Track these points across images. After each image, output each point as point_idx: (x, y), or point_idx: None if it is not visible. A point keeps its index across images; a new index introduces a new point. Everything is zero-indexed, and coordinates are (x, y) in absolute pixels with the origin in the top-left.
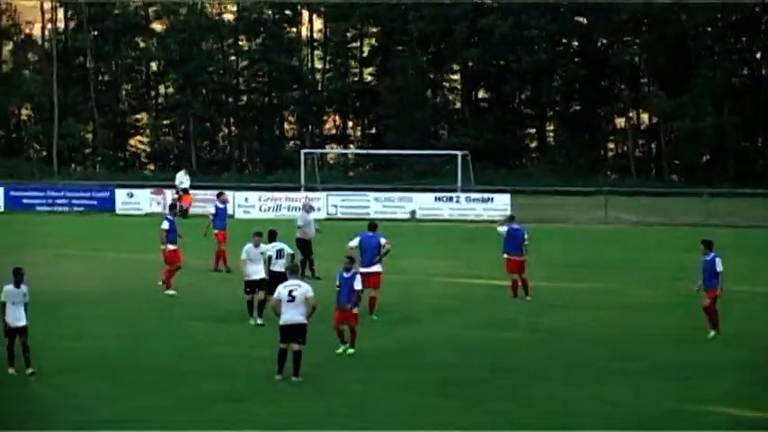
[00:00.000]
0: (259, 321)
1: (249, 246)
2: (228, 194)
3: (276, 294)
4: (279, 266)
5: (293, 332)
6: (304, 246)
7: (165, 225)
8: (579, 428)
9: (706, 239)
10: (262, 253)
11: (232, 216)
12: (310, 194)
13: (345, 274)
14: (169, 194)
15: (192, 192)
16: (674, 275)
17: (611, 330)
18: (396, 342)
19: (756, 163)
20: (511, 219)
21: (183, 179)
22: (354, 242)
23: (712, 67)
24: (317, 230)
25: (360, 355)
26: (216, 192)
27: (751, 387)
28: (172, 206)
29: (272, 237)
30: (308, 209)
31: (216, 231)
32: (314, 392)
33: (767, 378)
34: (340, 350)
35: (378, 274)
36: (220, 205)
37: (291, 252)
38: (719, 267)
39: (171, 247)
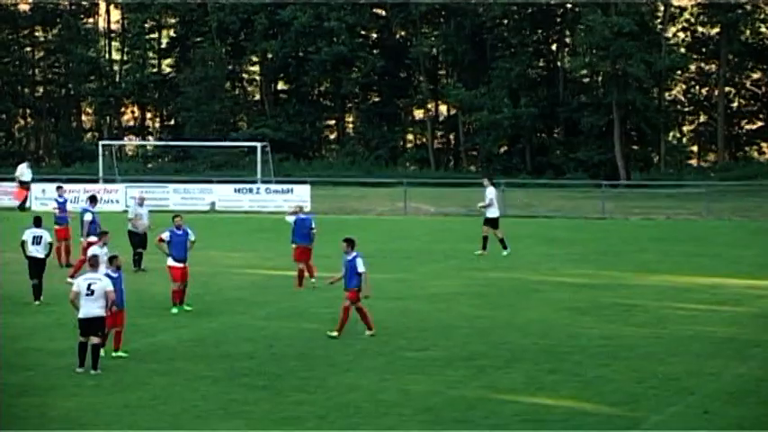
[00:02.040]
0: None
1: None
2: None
3: (75, 287)
4: (36, 252)
5: (92, 325)
6: (136, 238)
7: (89, 217)
8: (381, 417)
9: (348, 237)
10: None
11: (30, 208)
12: (108, 186)
13: (113, 274)
14: None
15: None
16: (474, 266)
17: (412, 320)
18: (197, 334)
19: (552, 153)
20: (300, 208)
21: (24, 171)
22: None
23: (509, 59)
24: (148, 226)
25: (160, 347)
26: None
27: (548, 376)
28: (92, 198)
29: (36, 223)
30: (141, 201)
31: (56, 228)
32: (114, 385)
33: (564, 367)
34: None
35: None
36: (60, 200)
37: (50, 241)
38: (361, 268)
39: (92, 239)
